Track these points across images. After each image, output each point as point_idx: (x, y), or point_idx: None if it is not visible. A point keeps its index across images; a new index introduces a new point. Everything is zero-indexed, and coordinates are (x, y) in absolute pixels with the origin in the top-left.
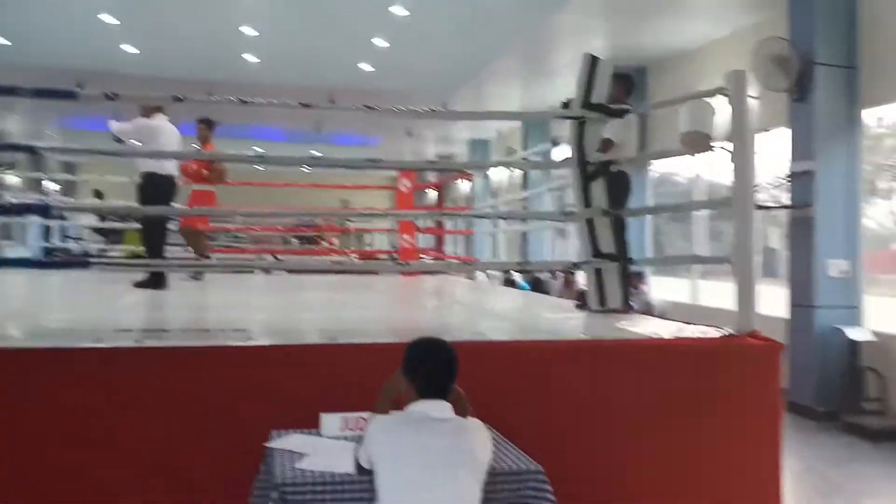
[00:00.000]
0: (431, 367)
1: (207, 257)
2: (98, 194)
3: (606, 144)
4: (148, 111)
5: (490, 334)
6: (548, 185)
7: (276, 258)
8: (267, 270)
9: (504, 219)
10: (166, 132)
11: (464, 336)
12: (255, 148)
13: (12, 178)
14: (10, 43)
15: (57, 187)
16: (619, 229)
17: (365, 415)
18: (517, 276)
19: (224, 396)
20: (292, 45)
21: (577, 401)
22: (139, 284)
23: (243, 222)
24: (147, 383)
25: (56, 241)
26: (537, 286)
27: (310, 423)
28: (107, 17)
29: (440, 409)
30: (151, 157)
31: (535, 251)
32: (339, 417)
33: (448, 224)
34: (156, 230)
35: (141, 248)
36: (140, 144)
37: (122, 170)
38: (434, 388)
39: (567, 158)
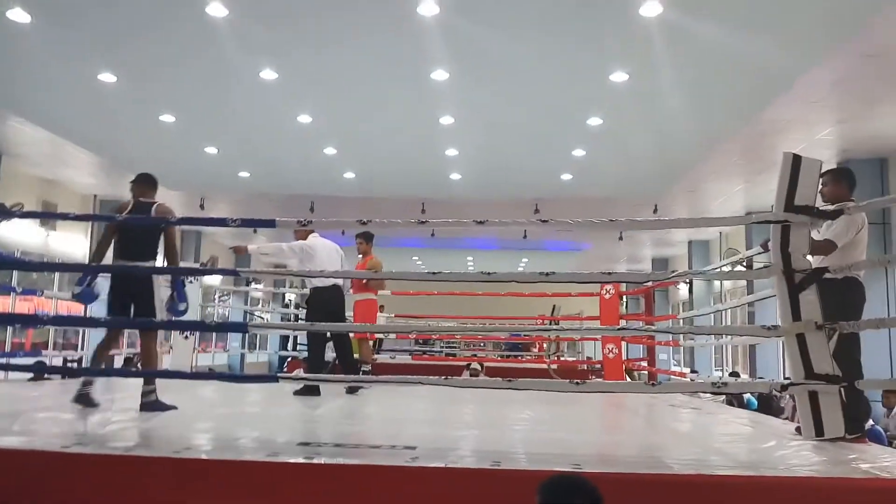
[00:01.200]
0: None
1: (370, 363)
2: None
3: (823, 247)
4: (303, 234)
5: (672, 465)
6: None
7: (481, 366)
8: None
9: (697, 334)
10: (320, 248)
11: (629, 467)
12: (468, 258)
13: (256, 293)
14: (248, 175)
15: (292, 297)
16: (848, 345)
17: None
18: (746, 393)
19: None
20: (495, 163)
21: None
22: (298, 392)
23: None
24: (313, 498)
25: (290, 350)
26: (767, 405)
27: None
28: (330, 150)
29: None
30: (319, 276)
31: (766, 363)
32: None
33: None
34: (317, 341)
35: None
36: (295, 263)
37: None
38: None
39: (766, 267)
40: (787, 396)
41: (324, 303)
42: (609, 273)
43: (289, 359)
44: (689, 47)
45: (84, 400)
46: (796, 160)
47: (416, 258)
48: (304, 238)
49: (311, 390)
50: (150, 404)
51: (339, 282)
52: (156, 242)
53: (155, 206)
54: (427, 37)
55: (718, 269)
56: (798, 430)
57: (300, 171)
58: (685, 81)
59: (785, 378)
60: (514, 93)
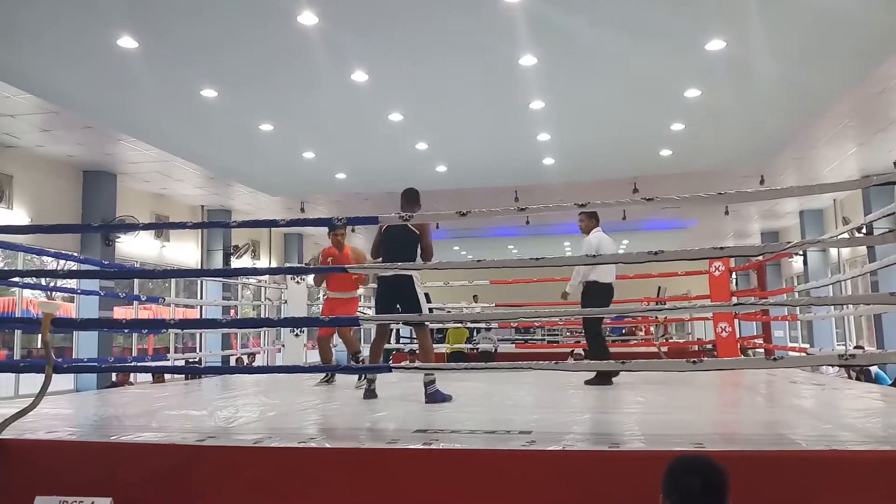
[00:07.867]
0: (685, 493)
1: (358, 352)
2: (426, 298)
3: None
4: (587, 228)
5: (800, 442)
6: None
7: (584, 352)
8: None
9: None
10: (606, 244)
11: (754, 445)
12: (565, 244)
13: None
14: (345, 176)
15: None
16: None
17: None
18: (874, 367)
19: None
20: (590, 144)
21: None
22: (589, 382)
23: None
24: (432, 484)
25: (393, 343)
26: None
27: None
28: (421, 145)
29: None
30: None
31: (893, 336)
32: None
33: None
34: (596, 330)
35: (464, 346)
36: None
37: (439, 275)
38: None
39: (891, 231)
40: None
41: (606, 295)
42: (721, 248)
43: (393, 351)
44: (789, 7)
45: (370, 395)
46: None
47: (512, 247)
48: (588, 233)
49: (603, 379)
50: (433, 395)
51: (612, 280)
52: None
53: None
54: (513, 23)
55: (837, 238)
56: None
57: (394, 168)
58: (786, 44)
59: None
60: (605, 70)
